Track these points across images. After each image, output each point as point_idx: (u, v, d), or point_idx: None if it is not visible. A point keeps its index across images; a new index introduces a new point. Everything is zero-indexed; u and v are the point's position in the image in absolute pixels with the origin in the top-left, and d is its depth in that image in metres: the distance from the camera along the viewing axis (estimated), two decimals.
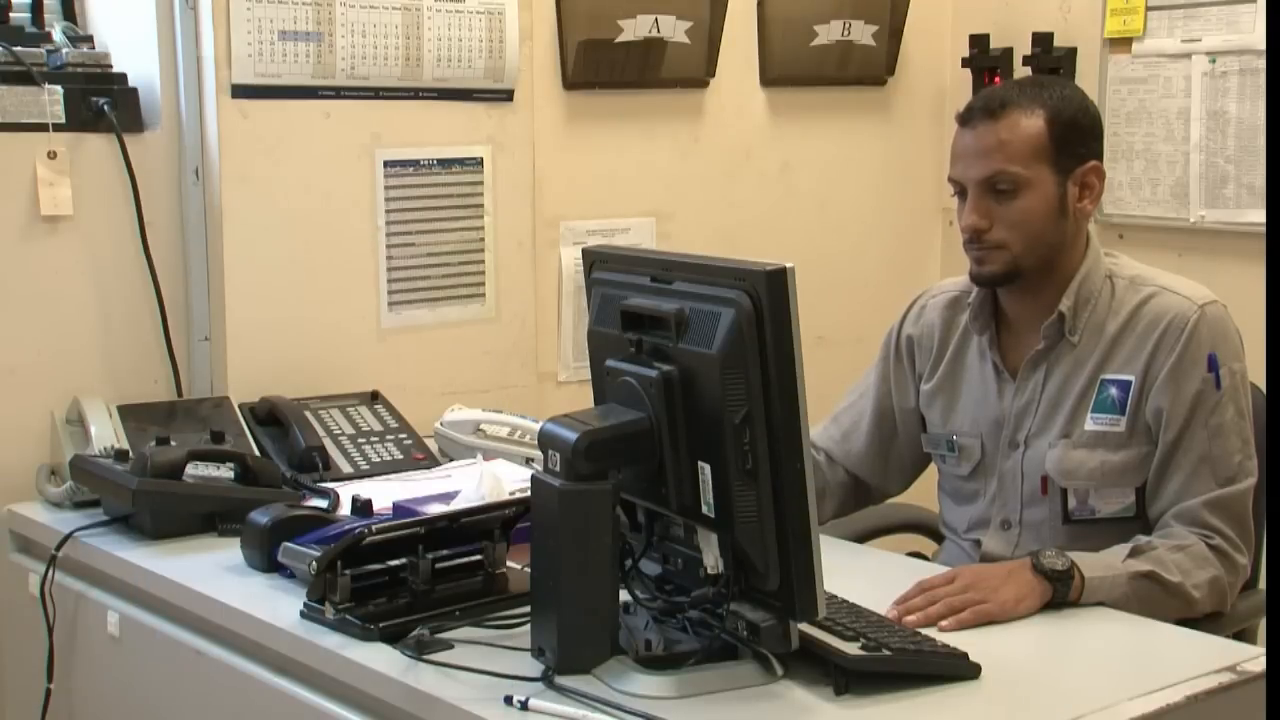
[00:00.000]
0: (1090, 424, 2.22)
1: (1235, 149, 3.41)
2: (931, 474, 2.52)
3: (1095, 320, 2.24)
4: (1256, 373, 2.20)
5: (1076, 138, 2.22)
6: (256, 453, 2.65)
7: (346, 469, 2.68)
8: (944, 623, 1.93)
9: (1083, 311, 2.25)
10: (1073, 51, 3.71)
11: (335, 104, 2.95)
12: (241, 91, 2.84)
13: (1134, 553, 2.10)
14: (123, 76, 2.83)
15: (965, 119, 2.25)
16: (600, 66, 3.34)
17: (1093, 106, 2.28)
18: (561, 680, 1.73)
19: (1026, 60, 3.74)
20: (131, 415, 2.69)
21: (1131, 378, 2.21)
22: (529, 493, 1.81)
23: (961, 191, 2.26)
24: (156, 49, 2.83)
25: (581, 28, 3.30)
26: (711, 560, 1.74)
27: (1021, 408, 2.28)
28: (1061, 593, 2.01)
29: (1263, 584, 2.37)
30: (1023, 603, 1.99)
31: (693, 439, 1.74)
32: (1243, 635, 2.29)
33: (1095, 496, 2.23)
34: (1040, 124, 2.20)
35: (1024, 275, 2.24)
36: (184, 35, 2.82)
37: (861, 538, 2.56)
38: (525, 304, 3.26)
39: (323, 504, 2.38)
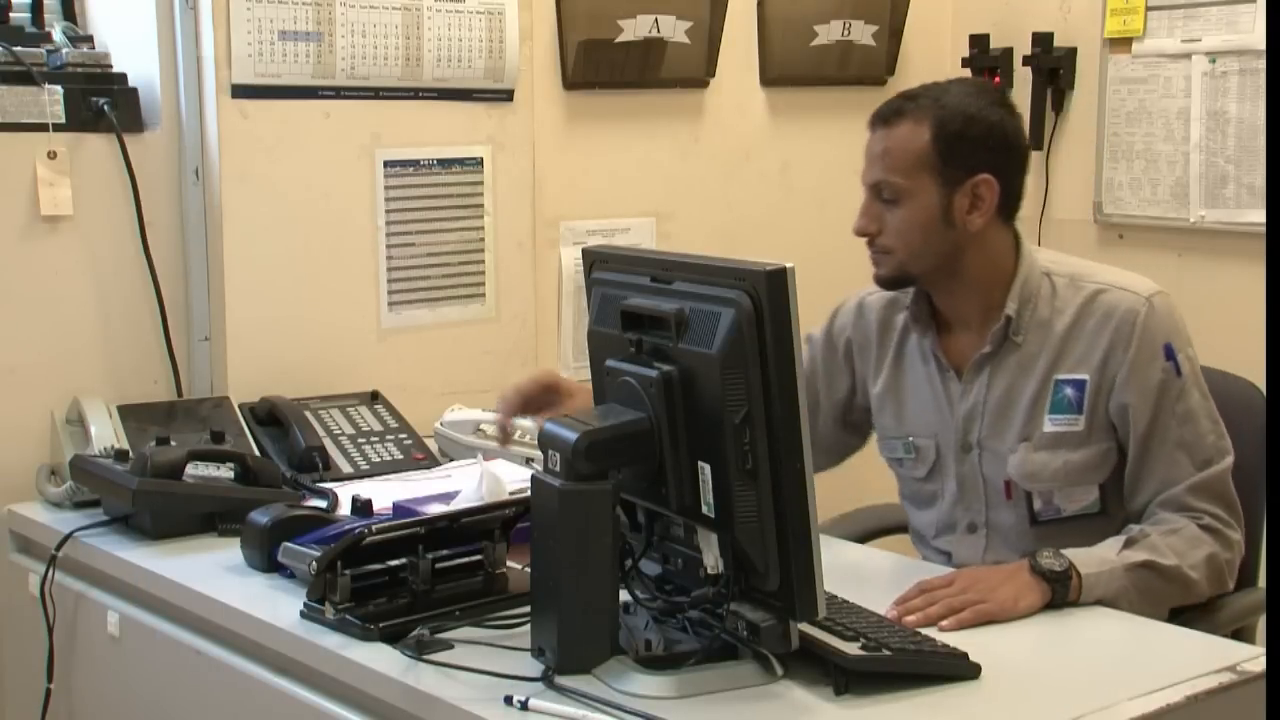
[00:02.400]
0: (1049, 425, 2.22)
1: (1235, 149, 3.41)
2: None
3: (1039, 319, 2.24)
4: (1257, 373, 2.20)
5: (965, 149, 2.18)
6: (256, 453, 2.65)
7: (346, 469, 2.68)
8: (944, 623, 1.93)
9: (1026, 313, 2.24)
10: (1073, 51, 3.71)
11: (335, 104, 2.95)
12: (241, 91, 2.84)
13: (1128, 544, 2.11)
14: (123, 76, 2.83)
15: (870, 123, 2.26)
16: (600, 66, 3.34)
17: (995, 116, 2.22)
18: (561, 680, 1.73)
19: (1026, 60, 3.75)
20: (131, 415, 2.69)
21: (1086, 376, 2.20)
22: (529, 493, 1.81)
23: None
24: (156, 49, 2.83)
25: (581, 28, 3.30)
26: (711, 560, 1.74)
27: (969, 409, 2.28)
28: (1060, 593, 2.01)
29: (1261, 581, 2.37)
30: (1021, 602, 1.99)
31: (693, 439, 1.74)
32: (1241, 633, 2.29)
33: (1060, 496, 2.24)
34: (925, 135, 2.18)
35: (916, 279, 2.25)
36: (184, 35, 2.82)
37: (861, 538, 2.56)
38: (525, 304, 3.26)
39: (322, 504, 2.38)
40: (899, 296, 2.37)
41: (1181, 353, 2.19)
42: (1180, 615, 2.17)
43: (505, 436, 2.35)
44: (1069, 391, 2.21)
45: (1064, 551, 2.05)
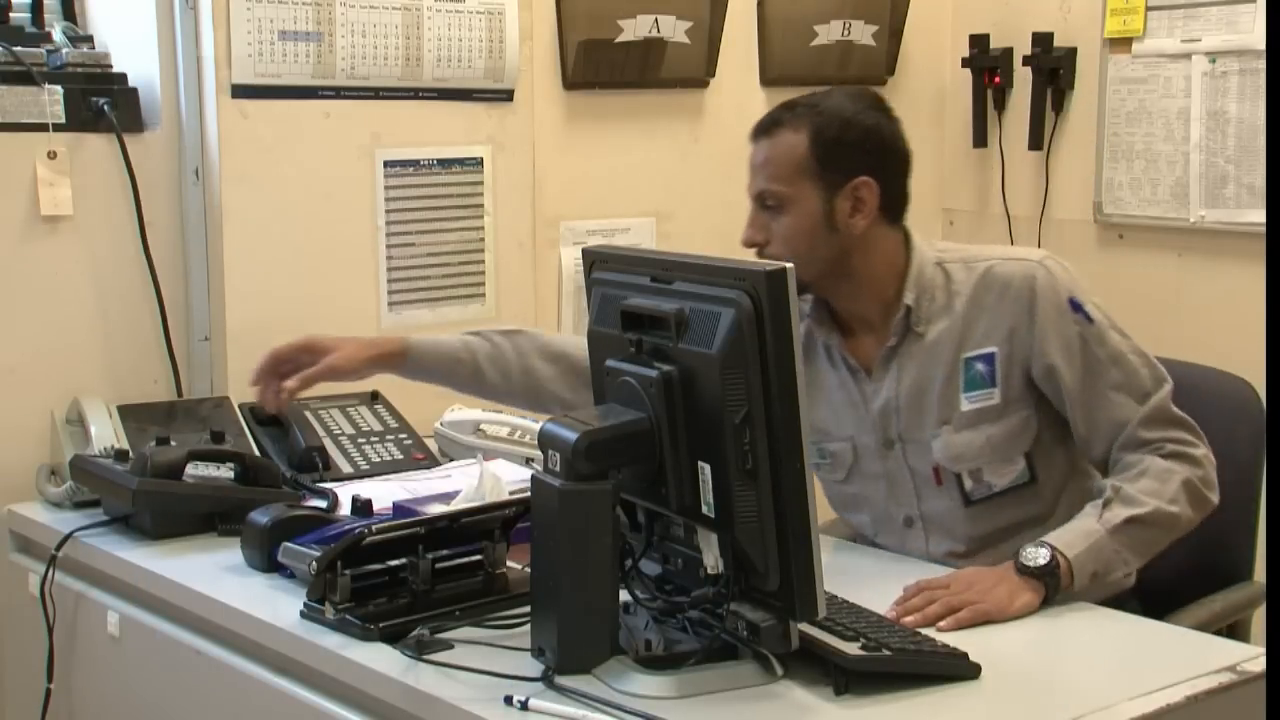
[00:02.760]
0: (965, 404, 2.24)
1: (1235, 149, 3.41)
2: None
3: (938, 307, 2.26)
4: (1257, 373, 2.20)
5: (842, 154, 2.21)
6: (256, 453, 2.66)
7: (346, 469, 2.68)
8: (942, 623, 1.93)
9: (925, 302, 2.26)
10: (1073, 51, 3.71)
11: (335, 104, 2.95)
12: (241, 91, 2.84)
13: (1105, 505, 2.11)
14: (123, 76, 2.83)
15: (751, 135, 2.30)
16: (600, 66, 3.34)
17: (871, 120, 2.25)
18: (561, 680, 1.73)
19: (1026, 60, 3.75)
20: (131, 415, 2.69)
21: (994, 349, 2.22)
22: (529, 493, 1.81)
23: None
24: (156, 49, 2.83)
25: (581, 28, 3.30)
26: (711, 560, 1.75)
27: (883, 405, 2.29)
28: (1053, 585, 2.02)
29: (1256, 575, 2.38)
30: (1017, 600, 1.99)
31: (693, 439, 1.74)
32: (1237, 626, 2.30)
33: (989, 472, 2.25)
34: (803, 142, 2.21)
35: (807, 286, 2.25)
36: (184, 35, 2.82)
37: (861, 538, 2.56)
38: (525, 304, 3.26)
39: (322, 504, 2.38)
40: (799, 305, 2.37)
41: (1087, 303, 2.21)
42: (1174, 609, 2.18)
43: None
44: (980, 367, 2.23)
45: (1049, 537, 2.06)
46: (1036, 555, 2.03)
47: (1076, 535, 2.07)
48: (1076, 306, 2.20)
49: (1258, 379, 2.28)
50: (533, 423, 2.69)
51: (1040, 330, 2.20)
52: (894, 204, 2.25)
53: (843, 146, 2.21)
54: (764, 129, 2.26)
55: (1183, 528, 2.14)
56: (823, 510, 2.62)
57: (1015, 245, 2.31)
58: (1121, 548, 2.07)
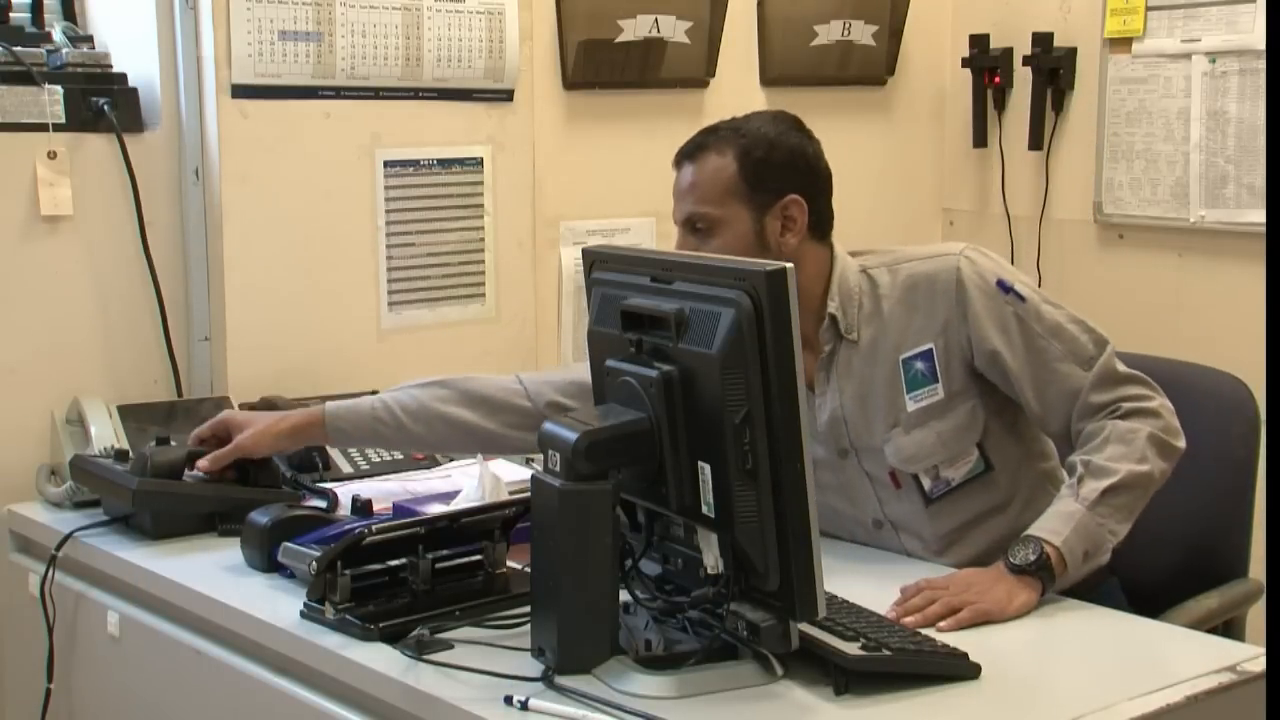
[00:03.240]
0: (911, 404, 2.24)
1: (1235, 149, 3.41)
2: None
3: (867, 313, 2.27)
4: (1256, 373, 2.20)
5: (769, 174, 2.23)
6: None
7: (346, 469, 2.68)
8: (942, 623, 1.94)
9: (850, 309, 2.26)
10: (1073, 51, 3.71)
11: (335, 104, 2.95)
12: (241, 91, 2.84)
13: (1079, 483, 2.11)
14: (123, 76, 2.83)
15: (674, 162, 2.31)
16: (600, 66, 3.34)
17: (794, 140, 2.27)
18: (561, 680, 1.73)
19: (1026, 60, 3.75)
20: (131, 415, 2.69)
21: (930, 345, 2.23)
22: (529, 493, 1.81)
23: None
24: (156, 49, 2.83)
25: (581, 28, 3.30)
26: (711, 560, 1.75)
27: (829, 418, 2.29)
28: (1048, 578, 2.02)
29: (1255, 573, 2.38)
30: (1016, 599, 2.00)
31: (693, 439, 1.74)
32: (1233, 623, 2.30)
33: (945, 468, 2.25)
34: (731, 164, 2.23)
35: None
36: (184, 35, 2.82)
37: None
38: (525, 304, 3.26)
39: (322, 504, 2.38)
40: None
41: (1016, 282, 2.23)
42: (1170, 607, 2.18)
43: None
44: (919, 365, 2.24)
45: (1033, 529, 2.06)
46: (1025, 553, 2.03)
47: (1059, 520, 2.07)
48: (1006, 288, 2.21)
49: (1257, 379, 2.28)
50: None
51: (974, 318, 2.20)
52: (821, 221, 2.27)
53: (770, 167, 2.23)
54: (687, 154, 2.28)
55: (1157, 482, 2.14)
56: None
57: (937, 243, 2.32)
58: (1105, 519, 2.08)
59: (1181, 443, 2.17)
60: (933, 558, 2.25)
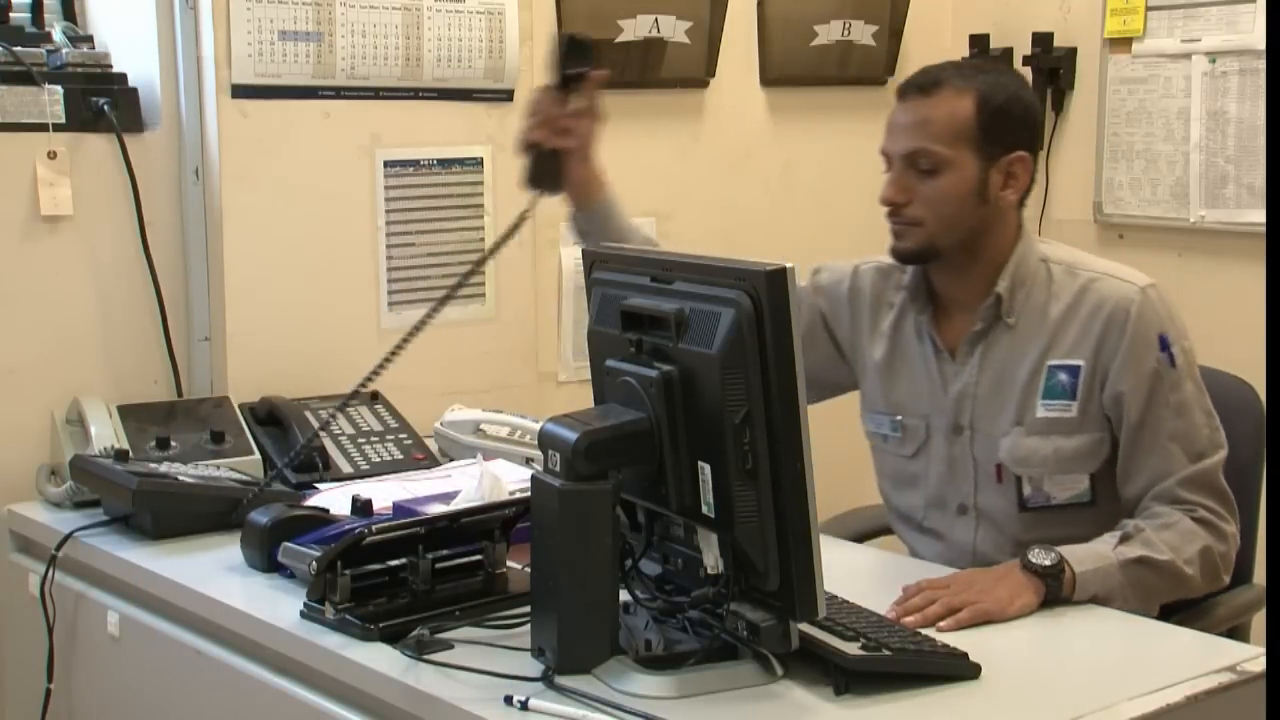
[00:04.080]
0: (1041, 411, 2.22)
1: (1235, 149, 3.41)
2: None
3: (1033, 304, 2.25)
4: (1256, 372, 2.20)
5: (1005, 125, 2.20)
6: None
7: (346, 469, 2.68)
8: (942, 623, 1.93)
9: (1019, 293, 2.25)
10: (1073, 51, 3.71)
11: (335, 104, 2.95)
12: (241, 91, 2.84)
13: (1123, 539, 2.11)
14: (123, 76, 2.83)
15: (900, 92, 2.25)
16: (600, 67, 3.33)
17: (1029, 97, 2.27)
18: (561, 680, 1.73)
19: (1026, 60, 3.75)
20: (131, 415, 2.69)
21: (1080, 362, 2.20)
22: (529, 493, 1.81)
23: (890, 165, 2.26)
24: (156, 49, 2.83)
25: (581, 28, 3.29)
26: (711, 560, 1.74)
27: (960, 390, 2.28)
28: (1054, 588, 2.02)
29: (1257, 578, 2.38)
30: (1017, 600, 1.99)
31: (693, 439, 1.74)
32: (1237, 630, 2.30)
33: (1049, 483, 2.24)
34: (969, 106, 2.19)
35: (941, 254, 2.23)
36: (184, 35, 2.82)
37: (861, 538, 2.56)
38: (525, 304, 3.26)
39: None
40: (893, 271, 2.36)
41: (1176, 344, 2.20)
42: (1175, 613, 2.18)
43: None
44: (1062, 377, 2.21)
45: (1060, 548, 2.05)
46: (1044, 557, 2.03)
47: (1088, 554, 2.07)
48: (1164, 345, 2.18)
49: (1257, 379, 2.28)
50: (533, 423, 2.69)
51: (1124, 354, 2.18)
52: (1031, 186, 2.26)
53: (1006, 118, 2.20)
54: (921, 87, 2.21)
55: (1188, 590, 2.13)
56: (823, 510, 2.63)
57: (1123, 265, 2.28)
58: (1125, 583, 2.07)
59: (1226, 579, 2.17)
60: (1006, 557, 2.19)
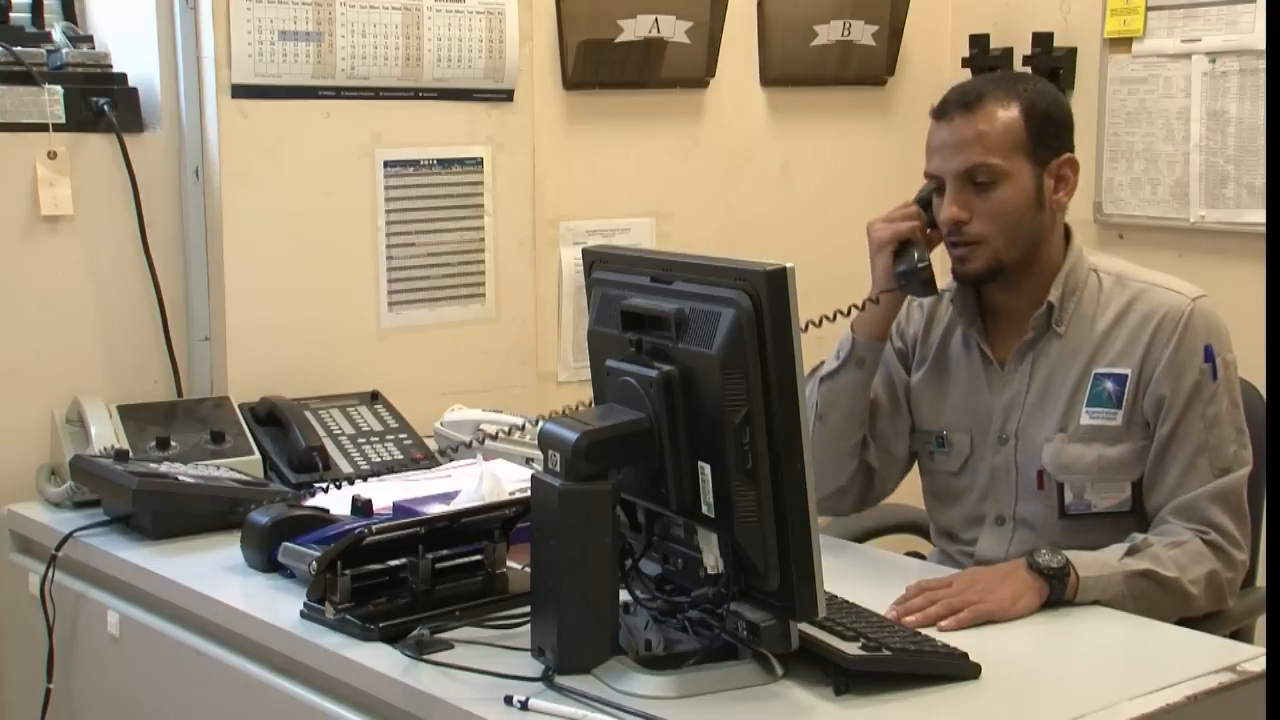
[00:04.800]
0: (1086, 418, 2.23)
1: (1235, 149, 3.41)
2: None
3: (1083, 313, 2.25)
4: (1256, 372, 2.20)
5: (1052, 130, 2.23)
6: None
7: (346, 469, 2.68)
8: (943, 623, 1.93)
9: (1069, 302, 2.26)
10: (1073, 51, 3.71)
11: (335, 104, 2.95)
12: (241, 91, 2.84)
13: (1130, 551, 2.11)
14: (123, 76, 2.83)
15: (941, 113, 2.27)
16: (600, 66, 3.34)
17: (1064, 100, 2.31)
18: (561, 680, 1.73)
19: (1026, 60, 3.74)
20: (131, 415, 2.69)
21: (1127, 371, 2.21)
22: (529, 493, 1.81)
23: (939, 187, 2.26)
24: (156, 49, 2.83)
25: (581, 28, 3.30)
26: (711, 560, 1.74)
27: (1009, 399, 2.29)
28: (1058, 590, 2.02)
29: (1261, 581, 2.38)
30: (1020, 601, 1.99)
31: (693, 439, 1.74)
32: (1241, 633, 2.29)
33: (1091, 491, 2.24)
34: (1017, 116, 2.21)
35: (1007, 270, 2.24)
36: (184, 35, 2.82)
37: (861, 538, 2.56)
38: (525, 304, 3.26)
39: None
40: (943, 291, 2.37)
41: (1220, 357, 2.21)
42: (1179, 620, 2.17)
43: None
44: (1108, 385, 2.22)
45: (1066, 553, 2.05)
46: (1052, 559, 2.03)
47: (1094, 561, 2.07)
48: (1209, 356, 2.20)
49: (1258, 379, 2.28)
50: (533, 423, 2.69)
51: (1168, 361, 2.19)
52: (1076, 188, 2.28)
53: (1053, 123, 2.23)
54: (965, 103, 2.23)
55: (1190, 609, 2.13)
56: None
57: (1173, 276, 2.29)
58: (1128, 594, 2.07)
59: (1230, 604, 2.18)
60: None
